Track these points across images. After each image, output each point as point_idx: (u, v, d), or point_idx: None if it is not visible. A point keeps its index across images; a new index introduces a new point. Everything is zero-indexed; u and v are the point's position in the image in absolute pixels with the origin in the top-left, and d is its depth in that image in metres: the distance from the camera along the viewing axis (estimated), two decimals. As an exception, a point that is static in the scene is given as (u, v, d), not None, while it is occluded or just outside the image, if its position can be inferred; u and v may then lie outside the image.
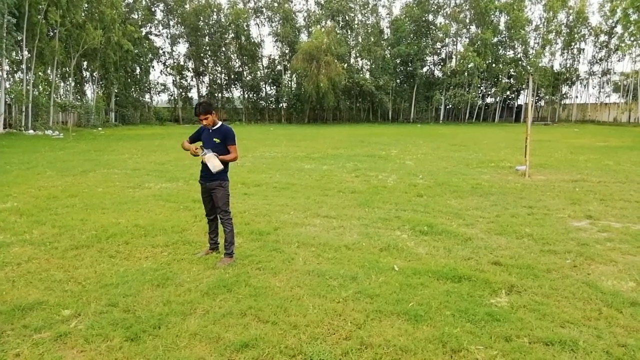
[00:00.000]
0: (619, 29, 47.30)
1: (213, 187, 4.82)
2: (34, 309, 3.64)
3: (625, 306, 3.65)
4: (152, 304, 3.75)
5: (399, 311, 3.58)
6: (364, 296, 3.88)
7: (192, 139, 4.97)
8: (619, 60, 53.12)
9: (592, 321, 3.41)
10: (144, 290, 4.04)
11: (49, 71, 34.57)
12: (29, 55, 30.65)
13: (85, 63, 40.75)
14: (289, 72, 50.86)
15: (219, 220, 4.97)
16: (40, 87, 33.66)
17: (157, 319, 3.46)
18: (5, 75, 29.35)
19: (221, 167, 4.68)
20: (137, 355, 3.01)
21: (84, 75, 42.47)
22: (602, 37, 50.79)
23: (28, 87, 30.22)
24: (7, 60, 28.51)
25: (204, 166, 4.84)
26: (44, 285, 4.13)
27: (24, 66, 30.46)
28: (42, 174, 11.02)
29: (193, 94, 54.43)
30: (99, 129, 34.49)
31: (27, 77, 30.70)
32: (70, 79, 38.02)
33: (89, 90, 43.07)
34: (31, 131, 28.10)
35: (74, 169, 12.03)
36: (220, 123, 4.88)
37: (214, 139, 4.74)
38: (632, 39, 44.47)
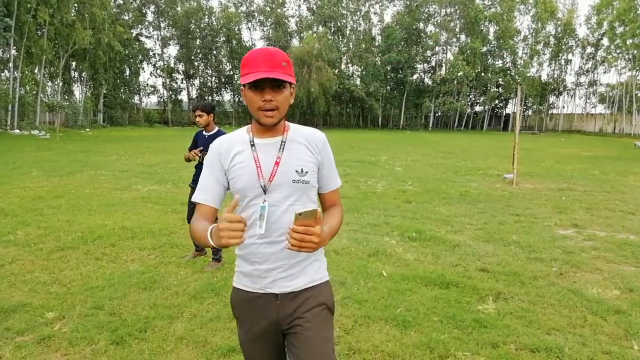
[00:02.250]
0: (605, 42, 48.25)
1: None
2: (17, 311, 3.57)
3: (610, 314, 3.70)
4: (138, 307, 3.71)
5: (387, 317, 3.58)
6: (353, 301, 3.88)
7: (191, 149, 4.90)
8: (605, 72, 54.16)
9: (577, 328, 3.45)
10: (130, 293, 3.99)
11: (36, 70, 34.16)
12: (17, 53, 30.27)
13: (74, 63, 40.37)
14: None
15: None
16: (27, 86, 33.25)
17: (143, 323, 3.42)
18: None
19: None
20: (122, 359, 2.96)
21: (73, 75, 42.07)
22: (589, 49, 51.79)
23: (15, 86, 29.82)
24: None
25: (199, 170, 4.78)
26: (28, 287, 4.06)
27: (11, 64, 30.05)
28: (28, 174, 10.86)
29: (183, 96, 54.30)
30: (87, 129, 34.14)
31: (14, 76, 30.29)
32: (58, 78, 37.61)
33: (77, 91, 42.72)
34: (17, 131, 27.71)
35: (61, 169, 11.87)
36: (217, 129, 4.78)
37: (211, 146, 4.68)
38: (617, 51, 45.36)
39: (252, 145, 1.61)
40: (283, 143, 1.61)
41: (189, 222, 5.00)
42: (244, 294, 1.66)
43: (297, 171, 1.58)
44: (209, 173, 1.65)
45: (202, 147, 4.70)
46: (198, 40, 51.57)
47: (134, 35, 46.82)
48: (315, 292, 1.66)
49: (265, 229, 1.54)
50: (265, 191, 1.56)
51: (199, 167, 4.77)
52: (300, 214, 1.33)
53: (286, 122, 1.67)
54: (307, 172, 1.59)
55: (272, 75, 1.47)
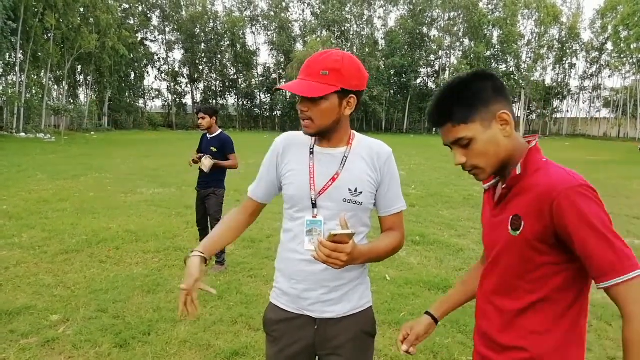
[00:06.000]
0: (609, 46, 48.14)
1: (207, 194, 4.81)
2: (22, 314, 3.59)
3: (615, 319, 3.67)
4: (142, 311, 3.72)
5: (391, 321, 3.58)
6: (356, 305, 3.86)
7: (198, 151, 4.97)
8: (609, 76, 54.07)
9: (582, 334, 3.43)
10: (134, 297, 4.00)
11: (42, 74, 34.40)
12: (23, 57, 30.50)
13: (79, 67, 40.64)
14: (284, 80, 51.05)
15: (209, 229, 4.92)
16: (33, 90, 33.48)
17: (147, 326, 3.43)
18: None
19: (211, 163, 4.65)
20: (126, 362, 2.97)
21: (78, 79, 42.34)
22: (594, 53, 51.67)
23: (21, 90, 30.03)
24: (0, 63, 28.38)
25: (201, 173, 4.84)
26: (33, 290, 4.08)
27: (17, 68, 30.27)
28: (33, 178, 10.92)
29: (187, 100, 54.54)
30: (92, 133, 34.30)
31: (20, 80, 30.51)
32: (63, 82, 37.84)
33: (82, 94, 42.97)
34: (23, 134, 27.86)
35: (66, 172, 11.93)
36: (219, 131, 4.87)
37: (211, 147, 4.74)
38: (622, 55, 45.23)
39: (312, 152, 1.52)
40: (345, 158, 1.49)
41: (198, 225, 5.03)
42: (281, 313, 1.56)
43: (350, 190, 1.47)
44: (265, 169, 1.63)
45: (201, 155, 4.75)
46: (203, 44, 51.84)
47: (139, 39, 47.08)
48: (358, 319, 1.55)
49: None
50: (315, 205, 1.47)
51: (202, 171, 4.81)
52: (336, 235, 1.24)
53: (352, 132, 1.55)
54: (361, 193, 1.48)
55: (288, 87, 1.40)
